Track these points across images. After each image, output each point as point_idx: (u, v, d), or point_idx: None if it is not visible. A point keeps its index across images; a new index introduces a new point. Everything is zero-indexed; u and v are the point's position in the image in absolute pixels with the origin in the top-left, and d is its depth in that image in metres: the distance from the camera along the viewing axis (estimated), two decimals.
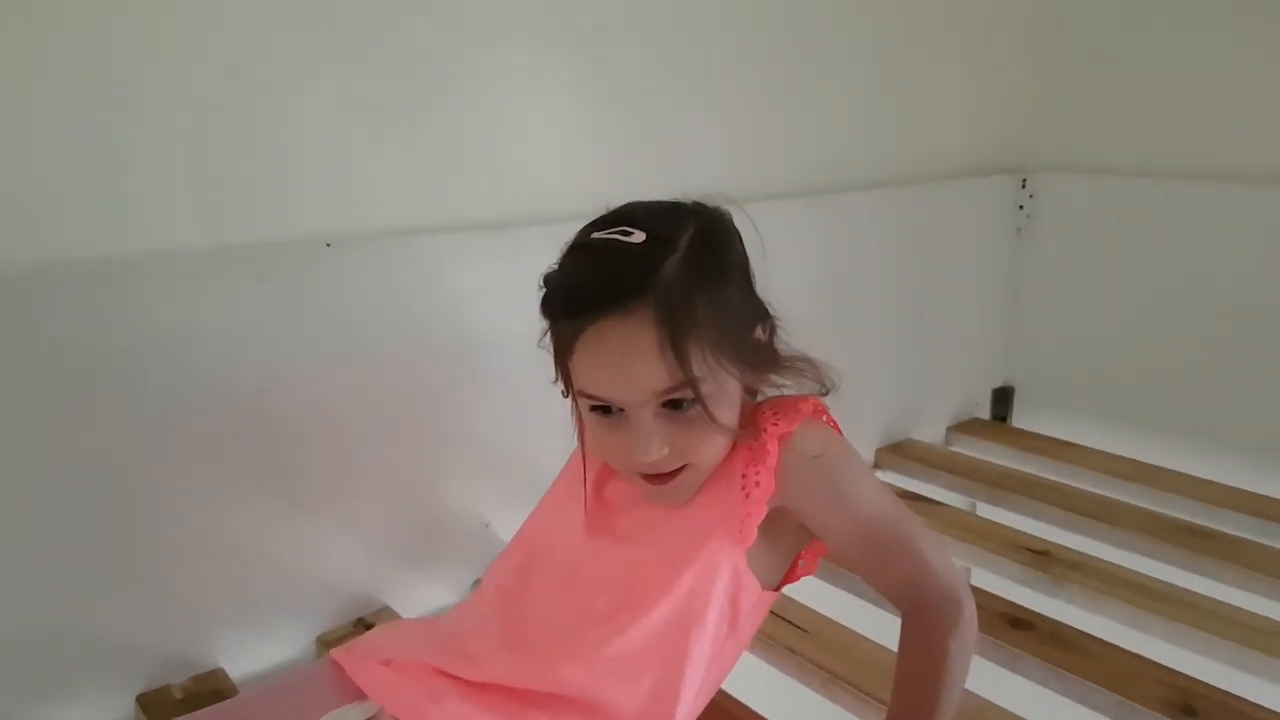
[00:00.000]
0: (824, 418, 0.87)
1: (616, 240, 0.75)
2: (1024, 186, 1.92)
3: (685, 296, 0.73)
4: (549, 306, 0.78)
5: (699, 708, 0.87)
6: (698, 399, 0.75)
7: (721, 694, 1.08)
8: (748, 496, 0.81)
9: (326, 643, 1.20)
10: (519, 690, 0.81)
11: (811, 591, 1.14)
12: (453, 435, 1.27)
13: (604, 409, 0.78)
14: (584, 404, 0.80)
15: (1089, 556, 1.39)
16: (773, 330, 0.84)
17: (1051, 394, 1.99)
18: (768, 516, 0.81)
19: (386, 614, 1.25)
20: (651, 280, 0.73)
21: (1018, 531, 1.48)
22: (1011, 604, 1.25)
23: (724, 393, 0.78)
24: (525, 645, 0.83)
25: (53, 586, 1.03)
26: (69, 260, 1.02)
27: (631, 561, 0.84)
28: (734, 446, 0.82)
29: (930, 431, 1.93)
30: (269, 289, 1.11)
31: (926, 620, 0.83)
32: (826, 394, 0.87)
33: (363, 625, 1.23)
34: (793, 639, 1.22)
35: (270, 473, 1.15)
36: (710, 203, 0.82)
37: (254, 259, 1.11)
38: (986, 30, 1.86)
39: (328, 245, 1.14)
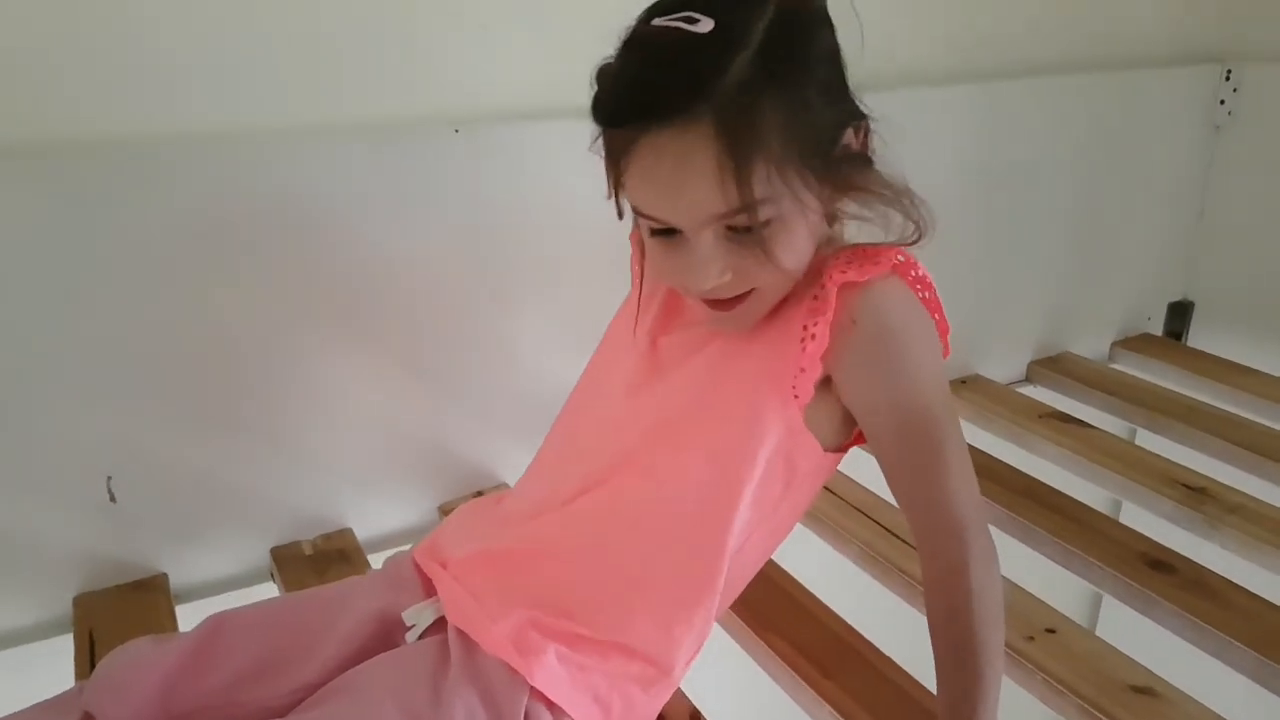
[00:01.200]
0: (912, 274, 0.76)
1: (679, 29, 0.64)
2: (1227, 79, 1.69)
3: (753, 103, 0.64)
4: (599, 110, 0.69)
5: (748, 574, 0.84)
6: (761, 224, 0.68)
7: (772, 565, 1.06)
8: (804, 350, 0.73)
9: (445, 511, 1.25)
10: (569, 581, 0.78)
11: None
12: (575, 313, 1.26)
13: (663, 230, 0.71)
14: (641, 223, 0.73)
15: (1251, 498, 1.27)
16: (866, 134, 0.73)
17: (1236, 313, 1.80)
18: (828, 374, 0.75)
19: (503, 490, 1.28)
20: (715, 83, 0.63)
21: (1176, 464, 1.36)
22: (1154, 543, 1.16)
23: (796, 215, 0.69)
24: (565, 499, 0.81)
25: (199, 442, 1.10)
26: (207, 132, 1.05)
27: (676, 413, 0.79)
28: (799, 289, 0.75)
29: (1093, 346, 1.79)
30: (392, 168, 1.11)
31: (928, 551, 0.76)
32: (916, 240, 0.74)
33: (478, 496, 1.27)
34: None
35: (397, 345, 1.18)
36: None
37: (379, 136, 1.11)
38: None
39: (456, 131, 1.12)
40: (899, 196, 0.73)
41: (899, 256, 0.75)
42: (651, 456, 0.79)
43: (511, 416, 1.27)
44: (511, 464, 1.29)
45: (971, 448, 0.83)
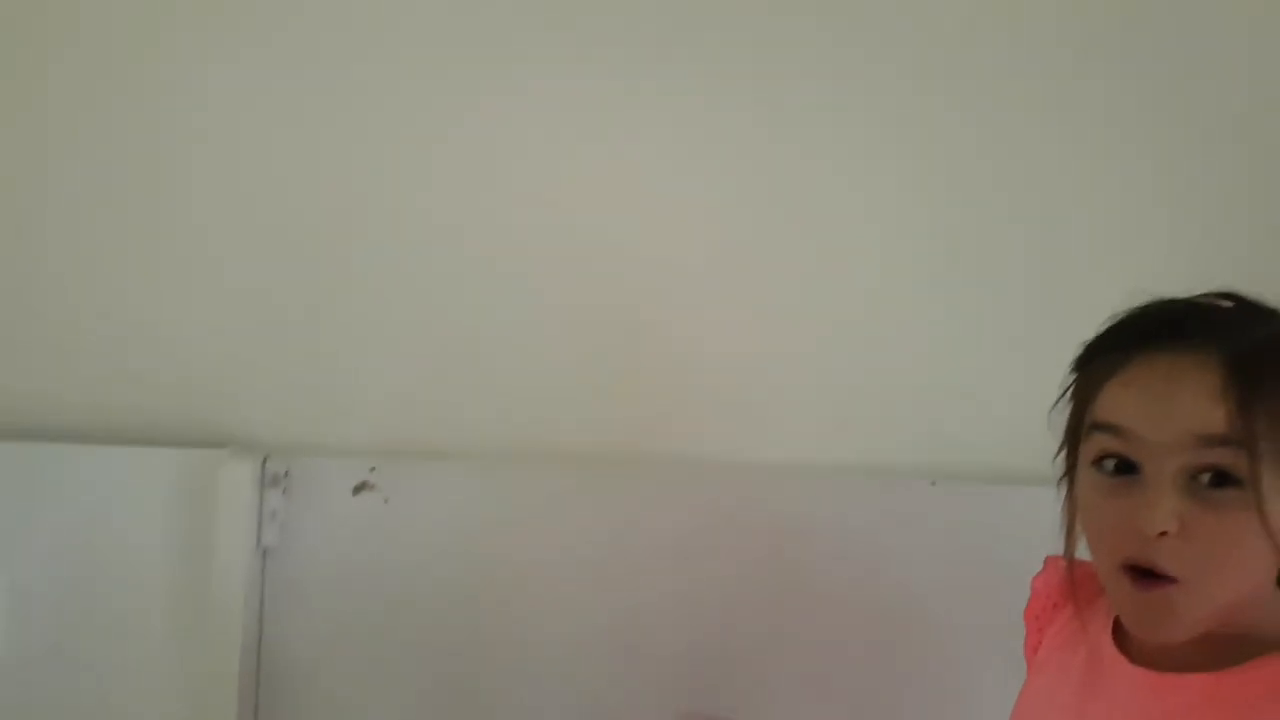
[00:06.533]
0: None
1: (1199, 299, 0.66)
2: None
3: (1268, 362, 0.62)
4: (1093, 345, 0.69)
5: None
6: (1248, 465, 0.59)
7: None
8: None
9: None
10: None
11: None
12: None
13: (1116, 463, 0.64)
14: (1089, 455, 0.66)
15: None
16: None
17: None
18: None
19: None
20: (1232, 335, 0.63)
21: None
22: None
23: (1275, 496, 0.60)
24: None
25: None
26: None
27: None
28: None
29: None
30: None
31: None
32: None
33: None
34: None
35: None
36: None
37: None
38: None
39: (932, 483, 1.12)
40: None
41: None
42: None
43: None
44: None
45: None
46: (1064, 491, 0.74)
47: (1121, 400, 0.65)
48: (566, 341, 1.20)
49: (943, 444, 1.16)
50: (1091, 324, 0.71)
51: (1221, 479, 0.61)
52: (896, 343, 1.19)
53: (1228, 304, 0.66)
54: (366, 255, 1.21)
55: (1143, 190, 1.20)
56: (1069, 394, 0.70)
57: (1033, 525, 1.02)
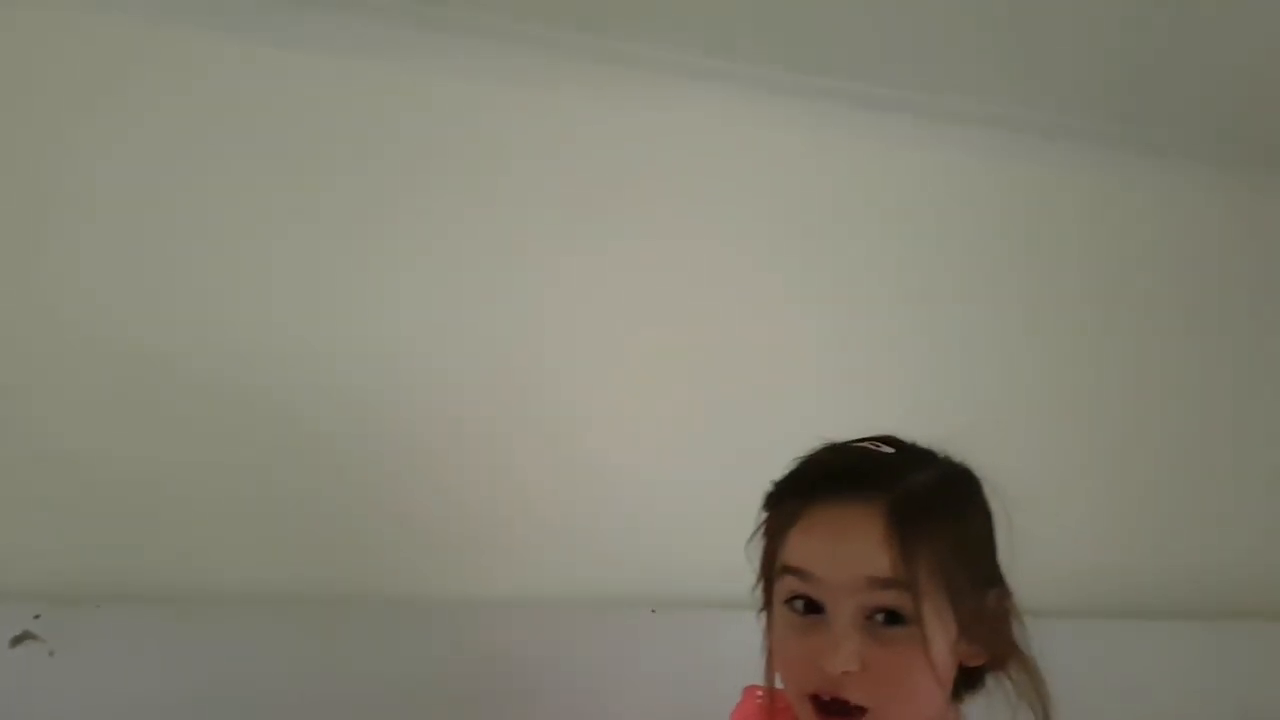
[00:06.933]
0: None
1: (866, 446, 0.74)
2: None
3: (923, 512, 0.70)
4: (778, 489, 0.75)
5: None
6: (913, 605, 0.67)
7: None
8: None
9: None
10: None
11: None
12: None
13: (805, 603, 0.71)
14: (781, 595, 0.73)
15: None
16: (1006, 605, 0.76)
17: None
18: None
19: None
20: (894, 483, 0.71)
21: None
22: None
23: (938, 634, 0.69)
24: None
25: None
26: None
27: None
28: None
29: None
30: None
31: None
32: None
33: None
34: None
35: None
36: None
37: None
38: None
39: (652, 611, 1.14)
40: (1028, 677, 0.74)
41: None
42: None
43: None
44: None
45: None
46: (764, 623, 0.79)
47: (804, 546, 0.71)
48: (256, 478, 1.13)
49: (662, 573, 1.17)
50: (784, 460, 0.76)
51: (893, 617, 0.69)
52: (616, 473, 1.21)
53: (889, 450, 0.74)
54: (28, 383, 1.09)
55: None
56: (761, 531, 0.76)
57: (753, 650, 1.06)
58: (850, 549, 0.70)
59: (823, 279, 1.37)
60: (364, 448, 1.16)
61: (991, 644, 0.74)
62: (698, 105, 1.32)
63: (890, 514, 0.69)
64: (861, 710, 0.70)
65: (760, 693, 0.83)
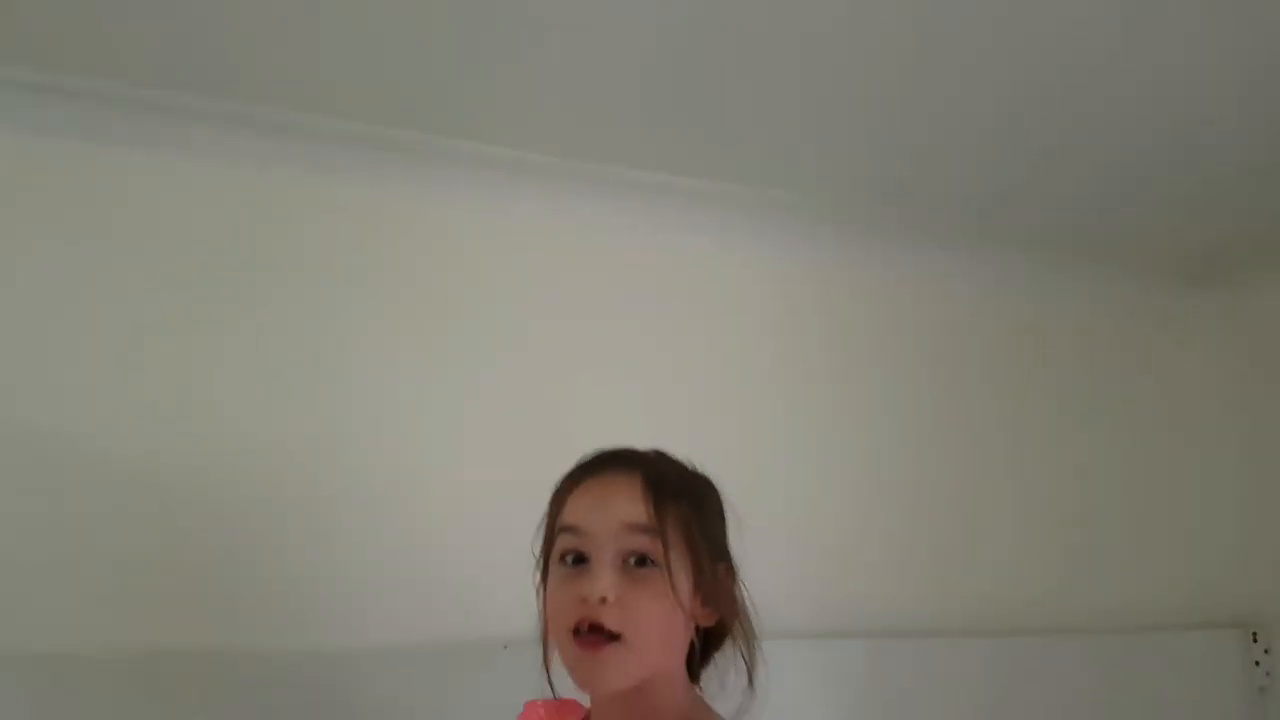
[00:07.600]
0: None
1: (630, 448, 0.92)
2: (1255, 641, 1.70)
3: (673, 484, 0.88)
4: (561, 480, 0.90)
5: None
6: (662, 552, 0.83)
7: None
8: None
9: None
10: None
11: None
12: None
13: (574, 557, 0.85)
14: (556, 557, 0.87)
15: None
16: (733, 577, 0.91)
17: None
18: None
19: None
20: (648, 466, 0.88)
21: None
22: None
23: (681, 576, 0.84)
24: None
25: None
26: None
27: None
28: None
29: None
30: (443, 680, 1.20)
31: None
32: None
33: None
34: None
35: None
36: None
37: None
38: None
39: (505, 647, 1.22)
40: (744, 645, 0.90)
41: None
42: None
43: None
44: None
45: None
46: (540, 595, 0.91)
47: (577, 506, 0.88)
48: (110, 540, 1.20)
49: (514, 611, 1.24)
50: None
51: (645, 561, 0.85)
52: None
53: (654, 452, 0.93)
54: None
55: None
56: (545, 516, 0.91)
57: None
58: (613, 503, 0.86)
59: (643, 354, 1.51)
60: (203, 514, 1.24)
61: (720, 604, 0.89)
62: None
63: (646, 480, 0.86)
64: (615, 637, 0.82)
65: (542, 708, 0.96)
